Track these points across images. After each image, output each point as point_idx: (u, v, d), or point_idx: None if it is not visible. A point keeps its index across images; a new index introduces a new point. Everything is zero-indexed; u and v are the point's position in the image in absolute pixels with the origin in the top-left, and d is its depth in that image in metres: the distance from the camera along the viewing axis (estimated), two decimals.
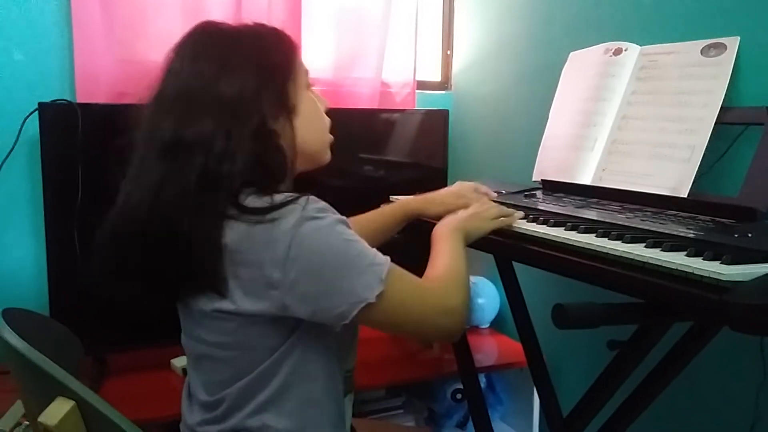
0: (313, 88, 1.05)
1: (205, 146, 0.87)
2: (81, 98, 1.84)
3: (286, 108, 0.95)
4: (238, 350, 0.91)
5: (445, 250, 1.05)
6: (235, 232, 0.86)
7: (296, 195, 0.88)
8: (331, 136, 1.07)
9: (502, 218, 1.16)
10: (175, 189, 0.86)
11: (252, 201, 0.87)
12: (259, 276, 0.85)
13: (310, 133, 1.00)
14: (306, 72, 1.02)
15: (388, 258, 0.90)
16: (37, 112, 1.70)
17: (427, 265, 1.02)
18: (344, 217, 0.90)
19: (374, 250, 0.90)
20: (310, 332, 0.91)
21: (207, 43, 0.95)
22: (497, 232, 1.16)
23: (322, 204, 0.89)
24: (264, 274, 0.85)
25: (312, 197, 0.88)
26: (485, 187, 1.39)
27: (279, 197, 0.87)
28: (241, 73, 0.91)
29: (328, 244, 0.85)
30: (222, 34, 0.97)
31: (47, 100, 1.72)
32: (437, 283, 0.96)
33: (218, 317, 0.89)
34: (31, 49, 1.85)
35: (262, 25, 1.00)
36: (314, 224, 0.85)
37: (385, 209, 1.35)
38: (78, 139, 1.68)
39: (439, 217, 1.23)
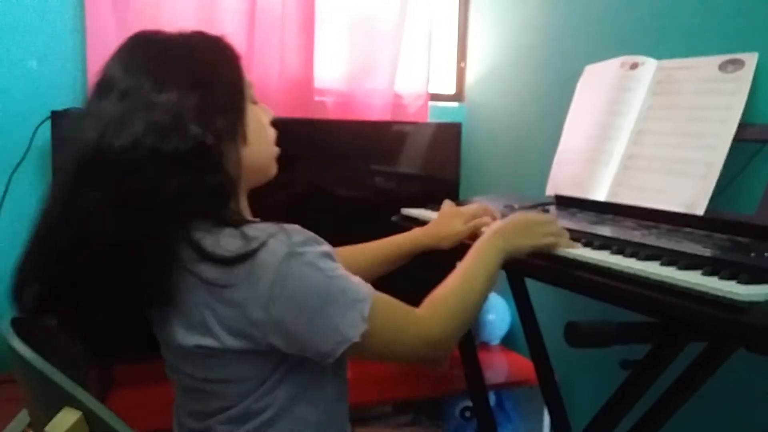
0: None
1: (136, 168, 0.82)
2: None
3: (230, 126, 0.89)
4: (226, 383, 0.88)
5: (468, 269, 1.02)
6: (213, 270, 0.82)
7: (275, 226, 0.85)
8: (277, 149, 1.01)
9: (553, 237, 1.10)
10: (97, 214, 0.81)
11: (226, 239, 0.83)
12: (241, 315, 0.82)
13: (256, 148, 0.95)
14: (250, 85, 0.96)
15: (371, 290, 0.88)
16: (49, 120, 1.71)
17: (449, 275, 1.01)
18: (329, 248, 0.87)
19: (358, 282, 0.87)
20: (301, 359, 0.88)
21: (142, 54, 0.89)
22: None
23: (304, 236, 0.85)
24: (245, 313, 0.82)
25: (293, 227, 0.85)
26: (487, 205, 1.34)
27: (255, 233, 0.83)
28: (179, 87, 0.85)
29: (311, 281, 0.83)
30: (158, 44, 0.91)
31: (60, 108, 1.73)
32: (426, 312, 0.94)
33: (203, 353, 0.86)
34: (45, 57, 1.86)
35: (202, 34, 0.94)
36: (297, 261, 0.82)
37: (394, 241, 1.29)
38: None
39: (453, 249, 1.22)
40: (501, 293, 2.20)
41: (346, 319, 0.84)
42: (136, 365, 1.85)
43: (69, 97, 1.86)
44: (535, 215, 1.18)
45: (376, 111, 2.22)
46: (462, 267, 1.02)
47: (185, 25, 1.95)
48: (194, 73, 0.88)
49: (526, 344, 1.64)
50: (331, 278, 0.85)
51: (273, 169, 1.01)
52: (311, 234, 0.87)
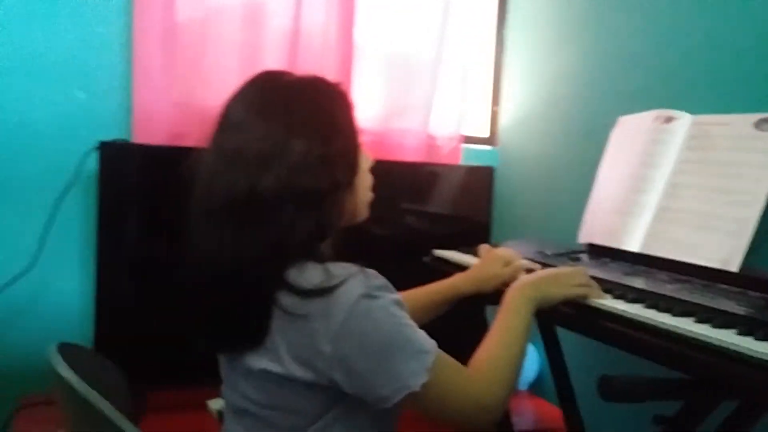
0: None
1: (278, 209, 0.87)
2: (138, 138, 1.90)
3: (348, 174, 0.95)
4: (281, 411, 0.90)
5: (505, 325, 1.03)
6: (291, 298, 0.86)
7: (356, 267, 0.88)
8: (372, 194, 1.06)
9: (586, 290, 1.10)
10: (253, 255, 0.86)
11: (309, 272, 0.87)
12: (310, 345, 0.85)
13: (360, 195, 1.00)
14: (360, 131, 1.00)
15: (435, 345, 0.90)
16: (97, 150, 1.76)
17: (484, 338, 1.01)
18: (399, 297, 0.90)
19: (423, 335, 0.90)
20: (357, 403, 0.90)
21: (270, 97, 0.93)
22: None
23: (381, 281, 0.89)
24: (314, 344, 0.85)
25: (372, 272, 0.89)
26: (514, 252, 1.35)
27: (337, 270, 0.87)
28: (307, 134, 0.90)
29: (382, 325, 0.86)
30: (285, 86, 0.95)
31: (104, 138, 1.78)
32: (481, 375, 0.95)
33: (265, 377, 0.88)
34: (92, 88, 1.90)
35: (323, 79, 0.98)
36: (372, 303, 0.85)
37: (434, 288, 1.30)
38: (134, 178, 1.74)
39: (498, 286, 1.23)
40: (530, 339, 2.17)
41: (409, 367, 0.86)
42: (168, 392, 1.88)
43: (114, 128, 1.90)
44: (564, 267, 1.19)
45: (409, 151, 2.26)
46: (499, 324, 1.03)
47: (229, 59, 2.02)
48: (319, 120, 0.92)
49: (553, 392, 1.62)
50: (401, 326, 0.87)
51: (366, 214, 1.05)
52: (386, 281, 0.90)
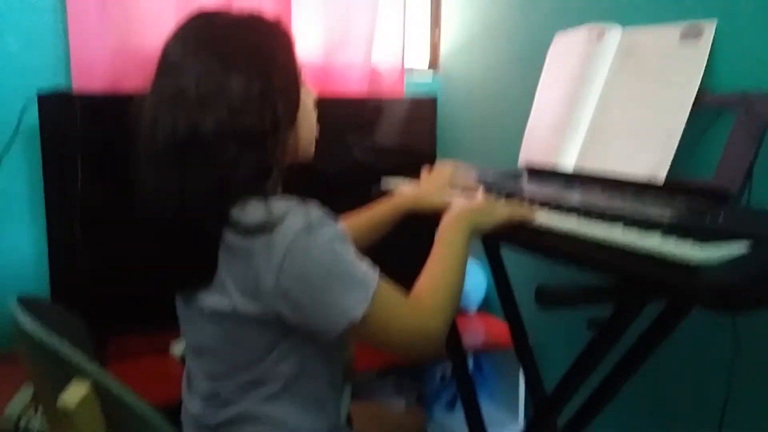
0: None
1: (220, 148, 0.88)
2: (77, 85, 1.86)
3: (290, 111, 0.95)
4: (234, 347, 0.94)
5: (441, 256, 1.05)
6: (234, 236, 0.88)
7: (297, 202, 0.89)
8: (317, 131, 1.07)
9: (515, 210, 1.14)
10: (197, 196, 0.88)
11: (252, 209, 0.88)
12: (255, 280, 0.87)
13: (303, 131, 1.01)
14: (302, 67, 1.00)
15: (377, 276, 0.91)
16: (36, 104, 1.72)
17: (425, 266, 1.03)
18: (341, 228, 0.91)
19: (365, 266, 0.91)
20: (305, 336, 0.93)
21: (207, 36, 0.93)
22: None
23: (321, 213, 0.90)
24: (259, 278, 0.87)
25: (312, 204, 0.90)
26: (465, 167, 1.40)
27: (278, 206, 0.88)
28: (246, 72, 0.90)
29: (322, 259, 0.87)
30: (221, 25, 0.94)
31: (42, 87, 1.74)
32: (421, 304, 0.96)
33: (217, 314, 0.91)
34: (26, 37, 1.85)
35: (260, 17, 0.97)
36: (311, 237, 0.87)
37: (376, 210, 1.34)
38: (76, 127, 1.71)
39: (433, 210, 1.25)
40: (477, 259, 2.25)
41: (349, 298, 0.88)
42: (129, 338, 1.90)
43: (51, 76, 1.86)
44: (484, 202, 1.20)
45: (352, 83, 2.25)
46: (435, 255, 1.05)
47: (164, 2, 1.95)
48: (258, 58, 0.92)
49: (501, 308, 1.69)
50: (340, 259, 0.89)
51: (312, 151, 1.06)
52: (327, 212, 0.91)
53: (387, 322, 0.92)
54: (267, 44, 0.94)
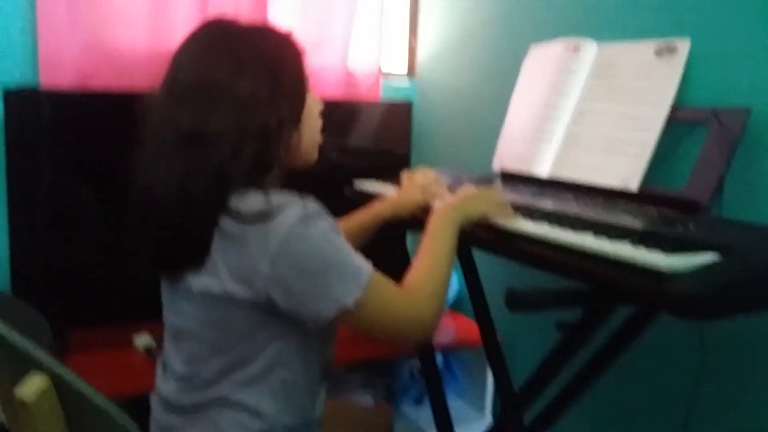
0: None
1: (223, 141, 0.92)
2: (45, 81, 1.82)
3: (294, 112, 1.00)
4: (218, 330, 0.95)
5: (432, 247, 1.08)
6: (232, 222, 0.90)
7: (295, 195, 0.92)
8: (321, 137, 1.10)
9: (499, 205, 1.17)
10: (198, 182, 0.91)
11: (251, 199, 0.91)
12: (249, 266, 0.89)
13: (306, 135, 1.05)
14: (309, 76, 1.05)
15: (370, 266, 0.95)
16: (1, 100, 1.70)
17: (416, 256, 1.06)
18: (335, 223, 0.95)
19: (359, 257, 0.95)
20: (292, 322, 0.94)
21: (220, 39, 0.98)
22: None
23: (318, 208, 0.93)
24: (253, 265, 0.89)
25: (310, 199, 0.93)
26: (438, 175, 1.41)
27: (276, 198, 0.91)
28: (255, 73, 0.95)
29: (318, 247, 0.90)
30: (234, 31, 1.00)
31: (10, 83, 1.70)
32: (413, 294, 1.00)
33: (205, 297, 0.92)
34: None
35: (272, 27, 1.04)
36: (308, 227, 0.90)
37: (357, 219, 1.36)
38: (41, 124, 1.69)
39: (417, 207, 1.30)
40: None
41: (342, 286, 0.91)
42: (90, 331, 1.86)
43: (19, 73, 1.81)
44: (482, 188, 1.25)
45: (328, 87, 2.24)
46: (426, 247, 1.08)
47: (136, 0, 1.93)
48: (267, 62, 0.97)
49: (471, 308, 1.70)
50: (336, 248, 0.92)
51: (314, 156, 1.10)
52: (323, 208, 0.94)
53: (380, 310, 0.95)
54: (276, 51, 1.00)
